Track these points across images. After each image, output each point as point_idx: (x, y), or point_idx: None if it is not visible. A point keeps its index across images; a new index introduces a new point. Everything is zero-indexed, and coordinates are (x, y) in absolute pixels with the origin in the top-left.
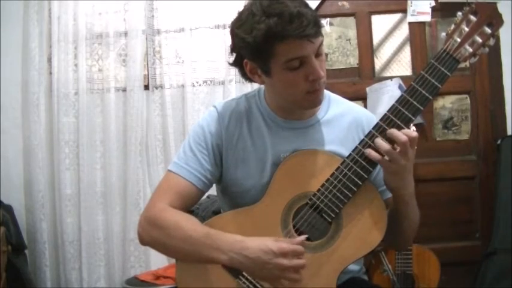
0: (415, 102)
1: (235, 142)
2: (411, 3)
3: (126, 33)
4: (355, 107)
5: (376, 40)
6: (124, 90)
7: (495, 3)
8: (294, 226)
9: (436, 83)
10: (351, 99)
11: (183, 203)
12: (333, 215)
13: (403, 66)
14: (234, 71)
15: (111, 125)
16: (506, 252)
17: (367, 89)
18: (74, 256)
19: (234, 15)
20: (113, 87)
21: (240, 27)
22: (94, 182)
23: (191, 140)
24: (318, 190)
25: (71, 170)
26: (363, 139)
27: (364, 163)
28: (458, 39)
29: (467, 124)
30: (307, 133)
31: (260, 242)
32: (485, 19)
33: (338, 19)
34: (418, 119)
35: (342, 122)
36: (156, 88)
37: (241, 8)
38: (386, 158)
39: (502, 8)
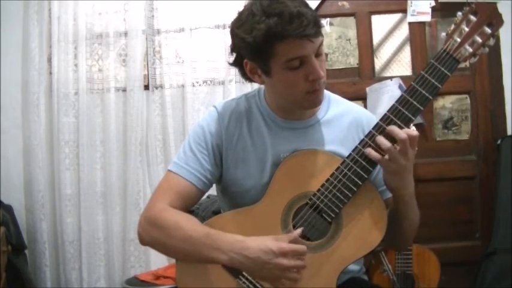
0: (415, 102)
1: (235, 142)
2: (411, 3)
3: (126, 33)
4: (355, 107)
5: (376, 40)
6: (124, 90)
7: (495, 3)
8: (294, 226)
9: (436, 83)
10: (351, 99)
11: (183, 203)
12: (333, 215)
13: (403, 66)
14: (234, 71)
15: (111, 125)
16: (506, 252)
17: (367, 89)
18: (74, 256)
19: (234, 15)
20: (113, 87)
21: (240, 27)
22: (94, 182)
23: (191, 140)
24: (318, 190)
25: (71, 170)
26: (363, 139)
27: (364, 163)
28: (458, 39)
29: (467, 124)
30: (307, 133)
31: (260, 242)
32: (485, 19)
33: (338, 19)
34: (418, 119)
35: (342, 122)
36: (156, 88)
37: (241, 8)
38: (386, 157)
39: (502, 8)
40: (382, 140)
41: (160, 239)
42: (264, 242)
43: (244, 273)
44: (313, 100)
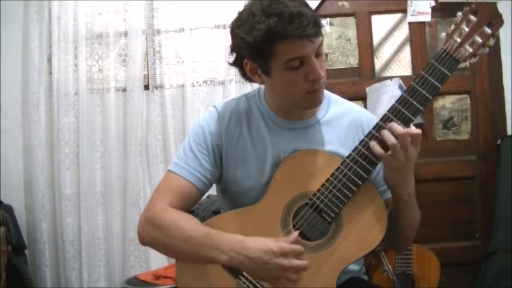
0: (415, 102)
1: (235, 142)
2: (411, 3)
3: (126, 33)
4: (355, 107)
5: (376, 40)
6: (124, 90)
7: (495, 3)
8: (294, 226)
9: (436, 83)
10: (351, 99)
11: (183, 203)
12: (333, 215)
13: (403, 66)
14: (234, 71)
15: (111, 125)
16: (506, 252)
17: (367, 89)
18: (74, 256)
19: (234, 15)
20: (113, 87)
21: (240, 27)
22: (94, 182)
23: (191, 140)
24: (318, 190)
25: (71, 170)
26: (363, 139)
27: (364, 163)
28: (458, 40)
29: (467, 124)
30: (307, 133)
31: (260, 242)
32: (485, 19)
33: (338, 19)
34: (418, 119)
35: (341, 122)
36: (156, 88)
37: (241, 8)
38: (389, 153)
39: (502, 8)
40: (388, 134)
41: (160, 239)
42: (264, 242)
43: (244, 273)
44: (313, 100)
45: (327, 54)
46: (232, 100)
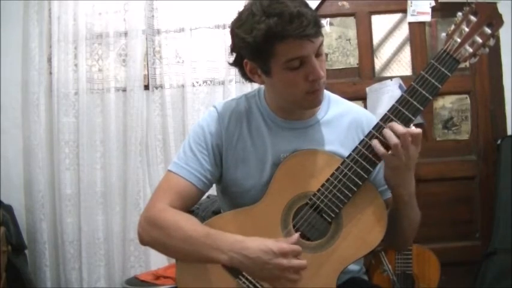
0: (415, 102)
1: (235, 142)
2: (411, 3)
3: (126, 33)
4: (355, 107)
5: (376, 40)
6: (124, 90)
7: (495, 3)
8: (294, 226)
9: (436, 83)
10: (351, 99)
11: (183, 203)
12: (333, 215)
13: (403, 66)
14: (234, 71)
15: (111, 125)
16: (506, 252)
17: (367, 89)
18: (74, 256)
19: (234, 15)
20: (113, 87)
21: (240, 27)
22: (94, 182)
23: (191, 140)
24: (318, 190)
25: (71, 170)
26: (363, 139)
27: (364, 163)
28: (459, 40)
29: (467, 124)
30: (307, 133)
31: (260, 242)
32: (485, 19)
33: (338, 19)
34: (418, 119)
35: (341, 122)
36: (156, 88)
37: (241, 8)
38: (390, 152)
39: (502, 8)
40: (391, 133)
41: (160, 239)
42: (264, 242)
43: (244, 273)
44: (313, 100)
45: (327, 54)
46: (232, 100)
